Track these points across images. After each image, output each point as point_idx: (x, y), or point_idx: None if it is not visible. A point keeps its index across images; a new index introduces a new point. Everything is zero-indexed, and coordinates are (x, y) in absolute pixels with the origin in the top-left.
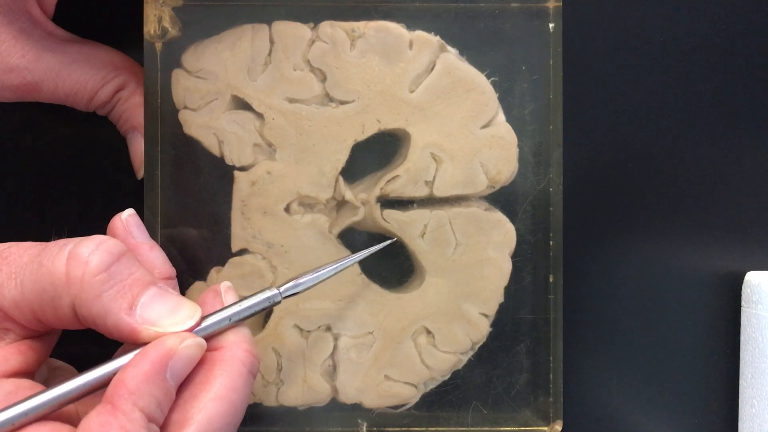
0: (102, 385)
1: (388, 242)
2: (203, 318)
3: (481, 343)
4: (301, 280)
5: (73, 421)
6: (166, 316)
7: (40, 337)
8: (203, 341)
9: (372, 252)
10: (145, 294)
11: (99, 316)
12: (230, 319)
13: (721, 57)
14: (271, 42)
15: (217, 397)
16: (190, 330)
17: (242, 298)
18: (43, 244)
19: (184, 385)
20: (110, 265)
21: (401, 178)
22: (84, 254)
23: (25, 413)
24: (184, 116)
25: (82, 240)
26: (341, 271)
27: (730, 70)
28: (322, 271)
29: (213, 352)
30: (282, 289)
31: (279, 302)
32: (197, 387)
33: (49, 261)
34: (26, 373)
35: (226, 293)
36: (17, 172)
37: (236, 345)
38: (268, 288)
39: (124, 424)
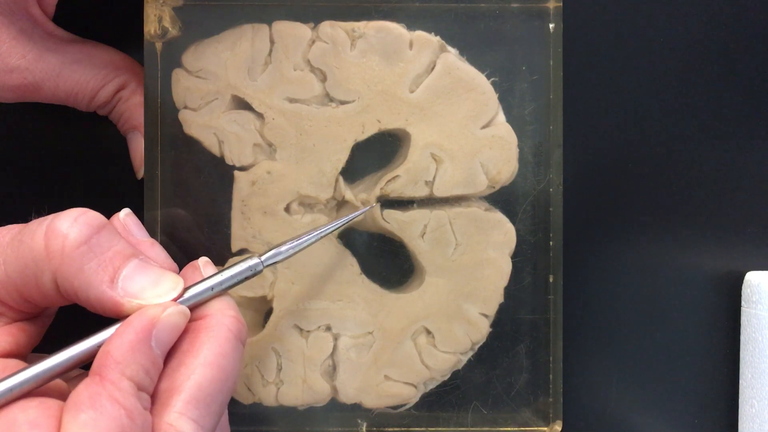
0: (87, 359)
1: (367, 208)
2: (186, 289)
3: (481, 343)
4: (282, 249)
5: (64, 396)
6: (148, 289)
7: (32, 320)
8: (186, 309)
9: (351, 219)
10: (127, 266)
11: (81, 290)
12: (212, 289)
13: (721, 57)
14: (272, 42)
15: (205, 362)
16: (173, 301)
17: (223, 268)
18: (24, 224)
19: (171, 355)
20: (90, 238)
21: (401, 178)
22: (63, 228)
23: (10, 389)
24: (184, 116)
25: (60, 214)
26: (321, 238)
27: (730, 70)
28: (302, 239)
29: (198, 320)
30: (263, 257)
31: (260, 271)
32: (185, 355)
33: (29, 237)
34: (17, 355)
35: (204, 267)
36: (17, 172)
37: (221, 312)
38: (249, 257)
39: (113, 393)
